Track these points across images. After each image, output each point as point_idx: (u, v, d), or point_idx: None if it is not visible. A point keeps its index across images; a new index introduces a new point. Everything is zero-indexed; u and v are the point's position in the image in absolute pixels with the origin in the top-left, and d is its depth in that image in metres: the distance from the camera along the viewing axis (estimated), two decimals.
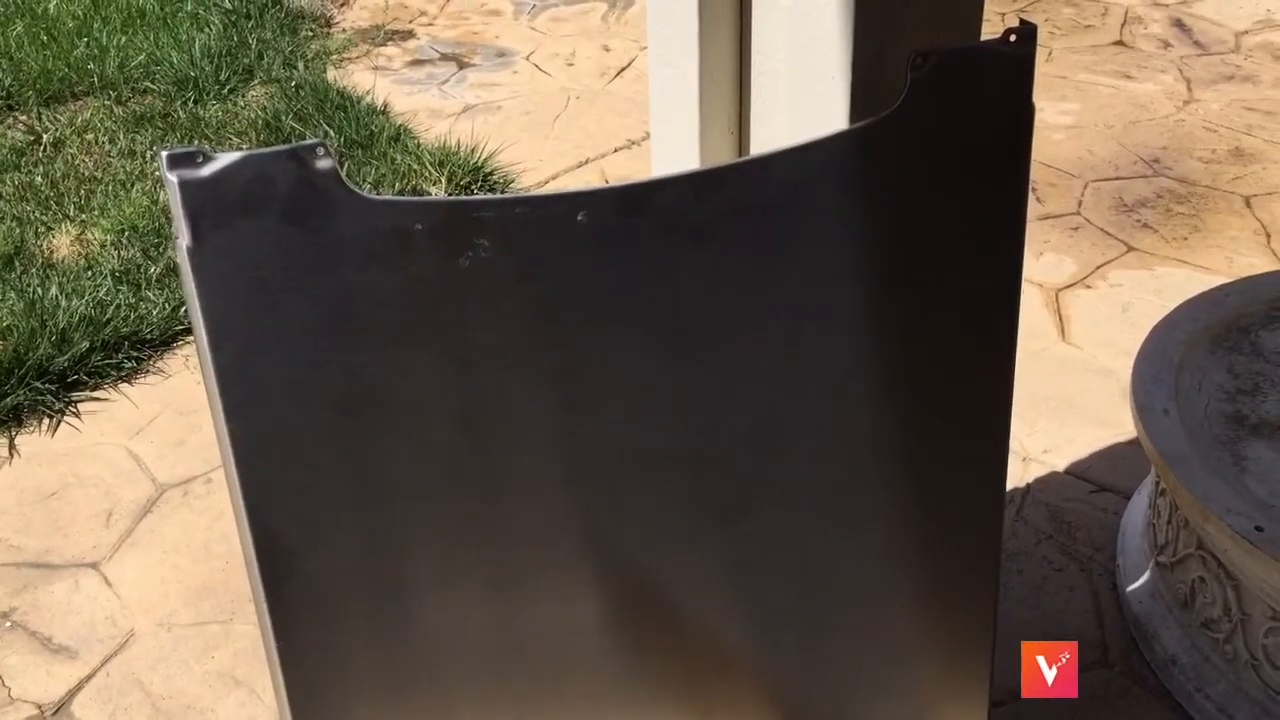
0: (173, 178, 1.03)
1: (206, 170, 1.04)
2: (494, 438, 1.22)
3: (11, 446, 2.41)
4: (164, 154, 1.03)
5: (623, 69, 4.02)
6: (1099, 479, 2.24)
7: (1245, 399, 1.85)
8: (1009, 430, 1.43)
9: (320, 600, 1.25)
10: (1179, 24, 4.18)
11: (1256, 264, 2.86)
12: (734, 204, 1.18)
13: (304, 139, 3.48)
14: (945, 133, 1.23)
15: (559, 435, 1.24)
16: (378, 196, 1.10)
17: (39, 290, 2.73)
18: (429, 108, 3.78)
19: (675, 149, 1.41)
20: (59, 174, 3.35)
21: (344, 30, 4.30)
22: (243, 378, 1.12)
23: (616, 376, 1.22)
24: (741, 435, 1.29)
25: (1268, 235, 3.00)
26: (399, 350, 1.15)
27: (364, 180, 3.16)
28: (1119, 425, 2.36)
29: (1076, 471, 2.26)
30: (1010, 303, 1.35)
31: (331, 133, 3.46)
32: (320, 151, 1.06)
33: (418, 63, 4.09)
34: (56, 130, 3.58)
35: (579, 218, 1.15)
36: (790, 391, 1.29)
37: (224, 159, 1.04)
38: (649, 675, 1.44)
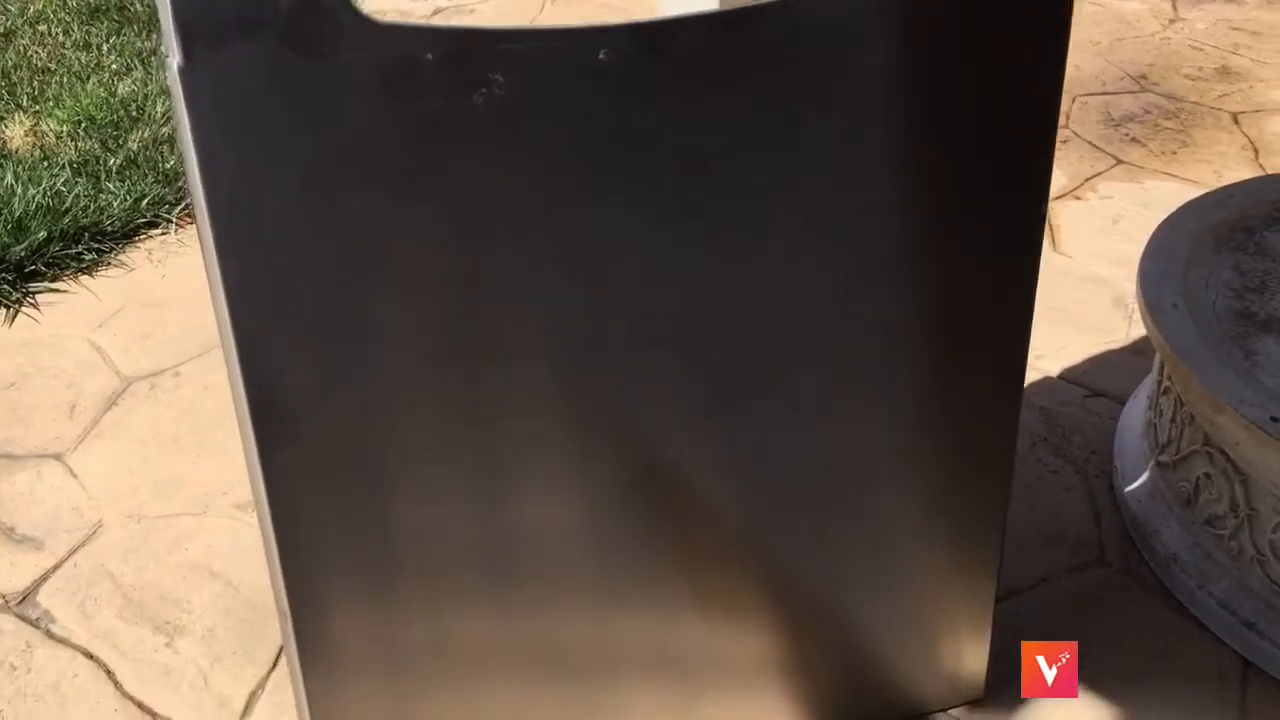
0: None
1: None
2: (496, 299, 1.15)
3: None
4: None
5: None
6: (1093, 384, 2.20)
7: (1253, 296, 1.81)
8: (1032, 313, 1.38)
9: (315, 468, 1.18)
10: None
11: (1246, 178, 2.82)
12: (760, 48, 1.11)
13: None
14: None
15: (564, 299, 1.17)
16: (386, 20, 1.01)
17: None
18: (396, 8, 3.65)
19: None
20: (10, 64, 3.20)
21: None
22: (238, 217, 1.04)
23: (627, 234, 1.15)
24: (753, 304, 1.23)
25: (1255, 151, 2.97)
26: (403, 196, 1.07)
27: None
28: (1111, 333, 2.33)
29: (1070, 377, 2.22)
30: (1042, 176, 1.29)
31: None
32: None
33: None
34: (8, 20, 3.42)
35: (600, 55, 1.07)
36: (807, 258, 1.22)
37: None
38: (644, 566, 1.38)
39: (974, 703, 1.62)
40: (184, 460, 2.03)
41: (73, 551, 1.86)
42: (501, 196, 1.10)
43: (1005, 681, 1.62)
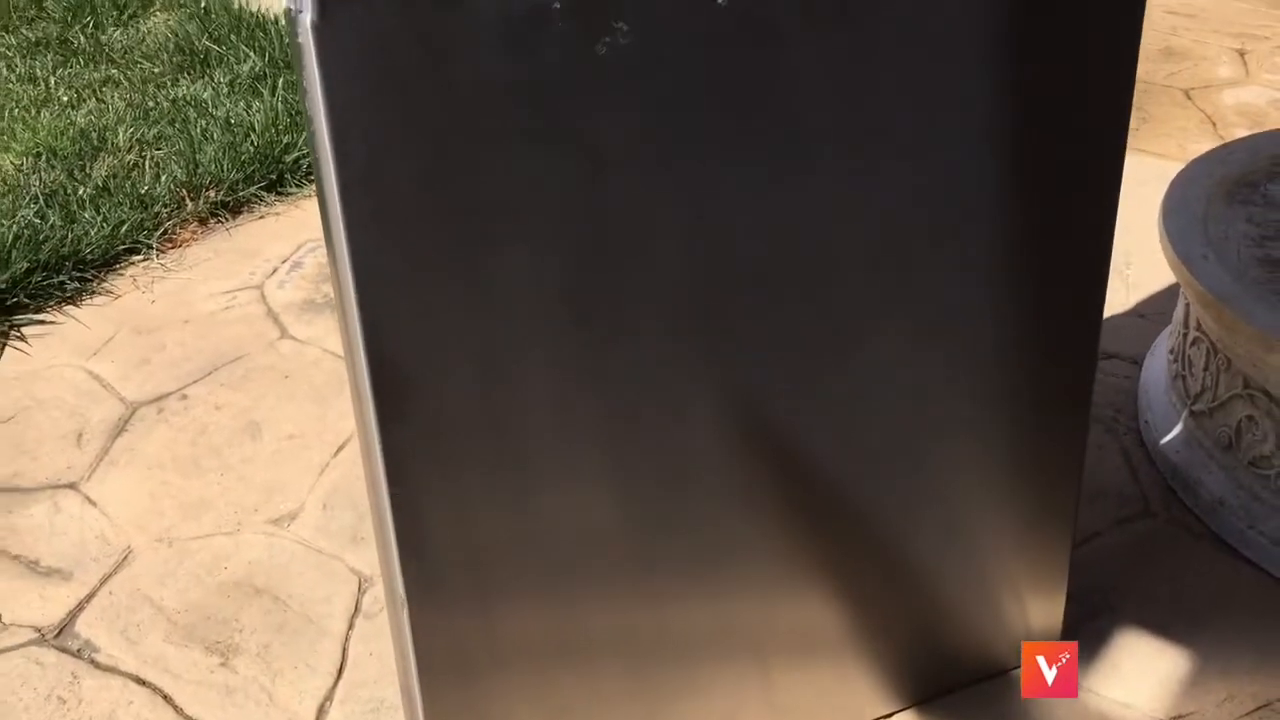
0: None
1: None
2: (617, 253, 1.13)
3: None
4: None
5: None
6: (1103, 349, 2.23)
7: (1272, 244, 1.85)
8: (1110, 254, 1.41)
9: (435, 441, 1.14)
10: None
11: (1209, 149, 2.90)
12: None
13: (223, 60, 3.28)
14: None
15: (686, 254, 1.16)
16: None
17: None
18: None
19: None
20: None
21: None
22: (369, 184, 1.01)
23: (745, 182, 1.14)
24: (858, 248, 1.23)
25: (1214, 124, 3.06)
26: (531, 151, 1.05)
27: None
28: (1111, 299, 2.37)
29: None
30: (1121, 112, 1.33)
31: (253, 54, 3.26)
32: None
33: None
34: None
35: None
36: (914, 197, 1.22)
37: None
38: (734, 534, 1.36)
39: None
40: (206, 482, 1.96)
41: (105, 580, 1.78)
42: (622, 148, 1.08)
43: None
